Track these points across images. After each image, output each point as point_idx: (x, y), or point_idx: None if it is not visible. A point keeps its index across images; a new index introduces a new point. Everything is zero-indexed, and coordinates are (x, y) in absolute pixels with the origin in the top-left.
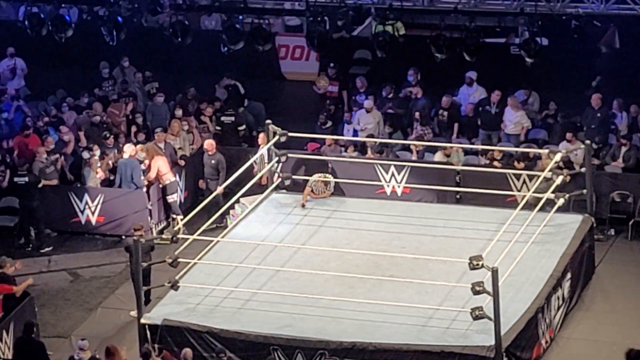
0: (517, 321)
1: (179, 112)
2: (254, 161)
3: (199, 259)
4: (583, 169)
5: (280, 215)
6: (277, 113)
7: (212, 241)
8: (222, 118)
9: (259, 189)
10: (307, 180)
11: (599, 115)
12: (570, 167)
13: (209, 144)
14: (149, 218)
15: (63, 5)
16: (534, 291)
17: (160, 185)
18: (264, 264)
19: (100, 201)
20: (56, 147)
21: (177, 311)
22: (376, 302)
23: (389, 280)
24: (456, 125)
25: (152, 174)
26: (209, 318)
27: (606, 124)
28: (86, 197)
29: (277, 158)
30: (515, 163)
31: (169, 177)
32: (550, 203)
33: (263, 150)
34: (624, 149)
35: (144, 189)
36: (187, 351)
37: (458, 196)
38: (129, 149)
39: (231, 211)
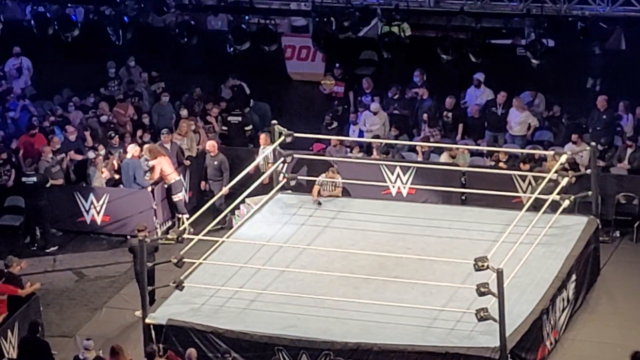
0: (522, 323)
1: (184, 112)
2: (259, 162)
3: (204, 259)
4: (588, 171)
5: (285, 216)
6: (283, 113)
7: (217, 241)
8: (229, 118)
9: (262, 189)
10: (313, 181)
11: (604, 117)
12: (576, 169)
13: (211, 145)
14: (154, 218)
15: (69, 4)
16: (539, 293)
17: (165, 185)
18: (269, 265)
19: (106, 201)
20: (62, 146)
21: (182, 311)
22: (381, 303)
23: (393, 281)
24: (461, 126)
25: (155, 175)
26: (214, 318)
27: (612, 125)
28: (91, 196)
29: (282, 158)
30: (521, 165)
31: (173, 177)
32: (555, 205)
33: (268, 151)
34: (629, 150)
35: (149, 189)
36: (192, 351)
37: (463, 197)
38: (132, 149)
39: (236, 211)
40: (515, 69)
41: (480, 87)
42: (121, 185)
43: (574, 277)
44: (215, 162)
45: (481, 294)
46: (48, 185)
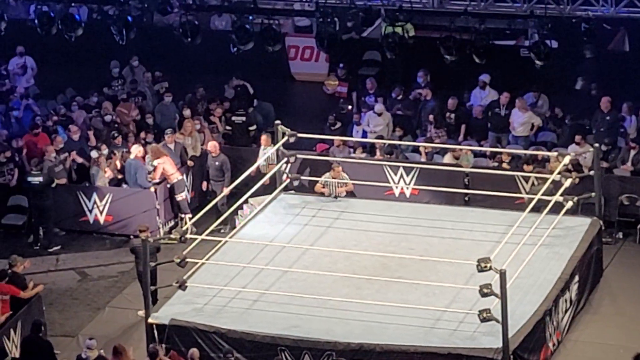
0: (525, 324)
1: (187, 112)
2: (261, 162)
3: (207, 259)
4: (592, 172)
5: (288, 216)
6: (286, 114)
7: (220, 241)
8: (233, 118)
9: (264, 189)
10: (316, 182)
11: (608, 118)
12: (579, 170)
13: (212, 145)
14: (157, 218)
15: (73, 4)
16: (541, 294)
17: (168, 185)
18: (271, 265)
19: (109, 200)
20: (65, 146)
21: (185, 311)
22: (384, 303)
23: (396, 281)
24: (463, 127)
25: (157, 175)
26: (217, 318)
27: (615, 127)
28: (95, 196)
29: (285, 159)
30: (524, 166)
31: (176, 177)
32: (558, 206)
33: (269, 152)
34: (633, 152)
35: (152, 189)
36: (194, 351)
37: (466, 198)
38: (135, 150)
39: (239, 211)
40: (519, 70)
41: (486, 89)
42: (124, 185)
43: (576, 278)
44: (217, 163)
45: (484, 294)
46: (53, 185)
